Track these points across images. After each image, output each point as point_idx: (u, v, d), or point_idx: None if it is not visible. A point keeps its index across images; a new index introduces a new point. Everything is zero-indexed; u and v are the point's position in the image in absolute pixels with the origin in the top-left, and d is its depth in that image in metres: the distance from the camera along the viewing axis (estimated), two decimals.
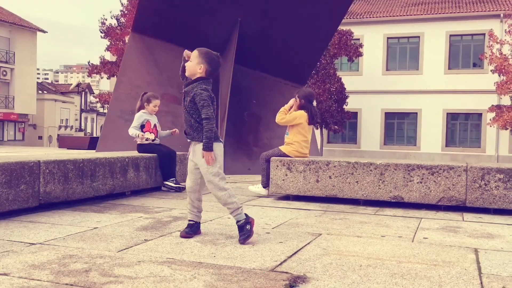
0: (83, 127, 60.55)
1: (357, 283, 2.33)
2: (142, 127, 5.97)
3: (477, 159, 25.79)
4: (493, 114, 23.69)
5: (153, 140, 6.02)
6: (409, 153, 27.62)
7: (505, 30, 23.36)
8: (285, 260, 2.72)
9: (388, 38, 28.55)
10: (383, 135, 28.64)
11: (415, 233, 3.64)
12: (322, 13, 11.08)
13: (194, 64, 3.25)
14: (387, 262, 2.74)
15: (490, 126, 24.10)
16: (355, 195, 5.02)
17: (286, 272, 2.48)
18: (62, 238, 3.17)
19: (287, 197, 5.39)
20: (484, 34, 26.18)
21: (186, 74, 3.30)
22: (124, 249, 2.90)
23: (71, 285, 2.21)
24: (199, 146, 3.20)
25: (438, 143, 27.59)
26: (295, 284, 2.29)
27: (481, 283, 2.38)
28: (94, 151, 8.38)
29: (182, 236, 3.26)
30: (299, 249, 2.99)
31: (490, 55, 22.54)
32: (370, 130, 28.65)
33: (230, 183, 7.19)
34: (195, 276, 2.38)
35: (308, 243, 3.17)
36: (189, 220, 3.34)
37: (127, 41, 21.73)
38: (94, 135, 47.60)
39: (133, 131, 5.93)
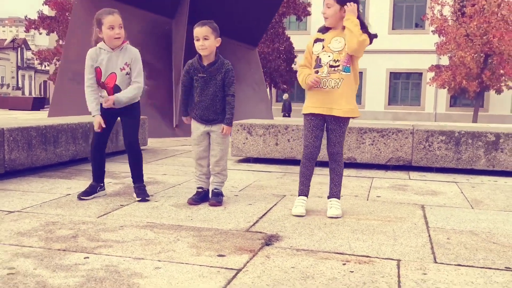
0: (20, 85, 57.63)
1: (324, 239, 2.62)
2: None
3: (417, 117, 27.09)
4: (432, 74, 24.80)
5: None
6: None
7: None
8: (257, 221, 2.98)
9: None
10: None
11: (369, 192, 4.00)
12: None
13: (213, 40, 3.18)
14: (347, 220, 3.06)
15: (430, 85, 25.27)
16: None
17: (261, 232, 2.74)
18: (39, 205, 3.27)
19: (247, 160, 5.64)
20: None
21: (205, 54, 3.20)
22: (103, 215, 3.05)
23: (64, 250, 2.36)
24: (219, 126, 3.30)
25: (381, 101, 28.65)
26: (271, 242, 2.55)
27: (429, 235, 2.75)
28: (38, 111, 8.19)
29: (189, 203, 3.33)
30: (268, 210, 3.26)
31: (431, 16, 23.34)
32: None
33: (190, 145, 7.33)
34: (178, 238, 2.59)
35: (275, 204, 3.44)
36: (198, 188, 3.44)
37: None
38: (34, 95, 45.51)
39: (87, 96, 3.46)
